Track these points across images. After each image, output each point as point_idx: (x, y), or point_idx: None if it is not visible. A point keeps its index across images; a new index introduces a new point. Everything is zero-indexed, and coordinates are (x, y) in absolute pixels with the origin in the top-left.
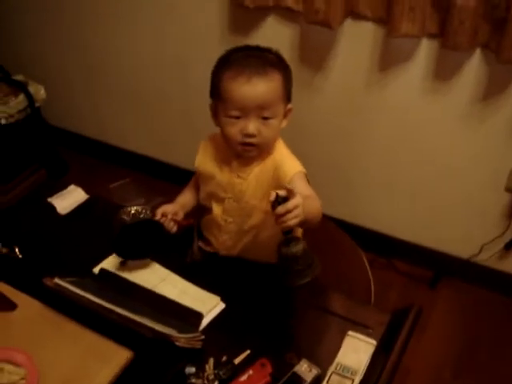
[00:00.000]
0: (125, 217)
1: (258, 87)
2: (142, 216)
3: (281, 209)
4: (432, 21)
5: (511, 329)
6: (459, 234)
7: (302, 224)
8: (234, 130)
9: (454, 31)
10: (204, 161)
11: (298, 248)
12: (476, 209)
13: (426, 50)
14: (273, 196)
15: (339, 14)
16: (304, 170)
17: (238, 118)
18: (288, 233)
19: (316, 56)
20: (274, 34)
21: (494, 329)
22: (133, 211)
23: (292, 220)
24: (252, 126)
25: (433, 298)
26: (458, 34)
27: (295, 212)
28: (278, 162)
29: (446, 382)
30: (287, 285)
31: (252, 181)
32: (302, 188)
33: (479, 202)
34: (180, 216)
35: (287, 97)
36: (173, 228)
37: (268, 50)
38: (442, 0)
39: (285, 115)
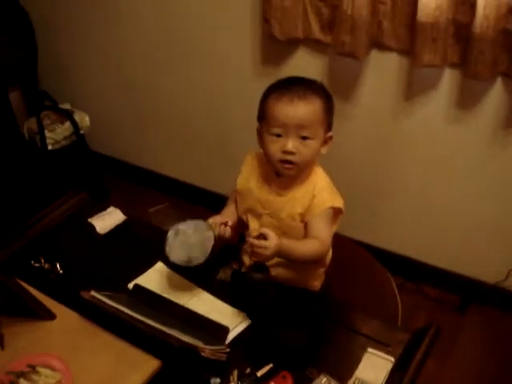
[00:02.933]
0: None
1: (298, 108)
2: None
3: (250, 241)
4: (453, 51)
5: None
6: (486, 259)
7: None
8: (275, 147)
9: (475, 61)
10: (246, 176)
11: (259, 276)
12: (502, 234)
13: (448, 79)
14: (255, 233)
15: (365, 46)
16: (338, 205)
17: (279, 136)
18: (257, 262)
19: (344, 85)
20: (304, 64)
21: None
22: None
23: (257, 255)
24: (291, 143)
25: (460, 323)
26: (478, 63)
27: (261, 251)
28: (318, 190)
29: None
30: (246, 300)
31: (290, 200)
32: (316, 227)
33: (505, 227)
34: (230, 226)
35: (327, 124)
36: (226, 233)
37: (312, 81)
38: (463, 31)
39: (325, 142)
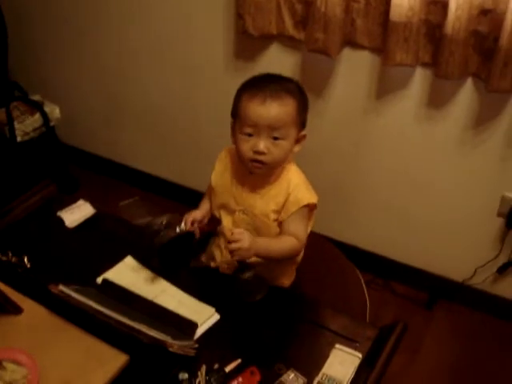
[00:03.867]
0: (158, 228)
1: (270, 108)
2: (177, 227)
3: (227, 237)
4: (425, 51)
5: (503, 351)
6: (454, 257)
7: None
8: (246, 146)
9: (446, 61)
10: (220, 172)
11: (249, 274)
12: (470, 233)
13: (420, 78)
14: (229, 233)
15: (337, 43)
16: (313, 201)
17: (250, 135)
18: (241, 262)
19: (317, 82)
20: (277, 60)
21: (486, 350)
22: (164, 221)
23: (236, 251)
24: (262, 143)
25: (428, 319)
26: (448, 63)
27: (238, 245)
28: (292, 187)
29: None
30: (241, 299)
31: (264, 197)
32: (293, 225)
33: (473, 226)
34: (204, 223)
35: (301, 123)
36: (197, 234)
37: (288, 79)
38: (435, 31)
39: (298, 140)
